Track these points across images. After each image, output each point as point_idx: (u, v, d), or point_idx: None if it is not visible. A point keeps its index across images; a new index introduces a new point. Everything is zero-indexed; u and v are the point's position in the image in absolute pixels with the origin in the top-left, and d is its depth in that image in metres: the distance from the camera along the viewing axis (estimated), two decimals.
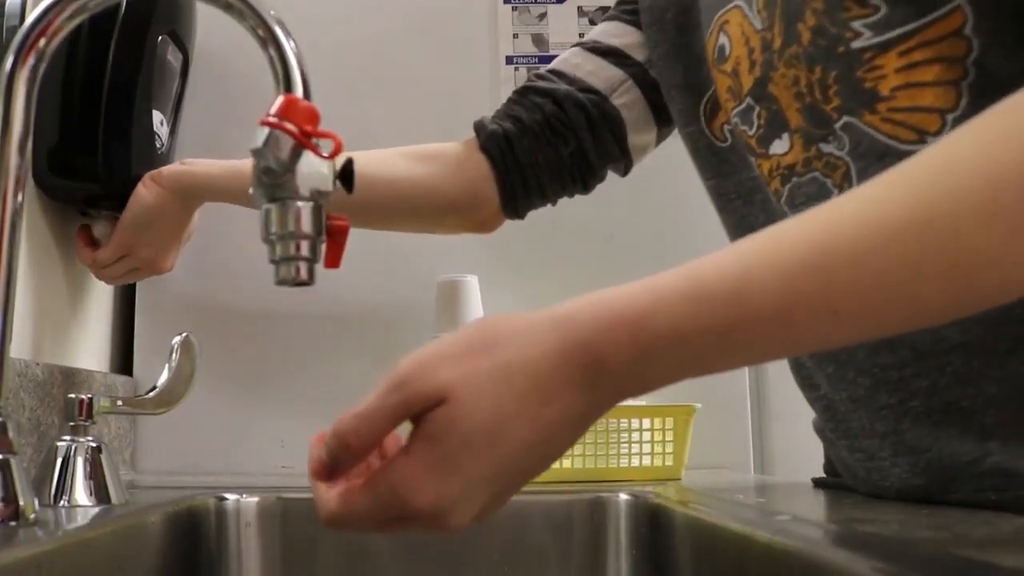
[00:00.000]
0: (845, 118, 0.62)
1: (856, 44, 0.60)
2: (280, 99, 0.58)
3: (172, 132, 1.11)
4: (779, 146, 0.67)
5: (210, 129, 1.21)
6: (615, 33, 0.91)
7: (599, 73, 0.90)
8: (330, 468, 0.48)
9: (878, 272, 0.40)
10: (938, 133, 0.58)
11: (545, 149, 0.90)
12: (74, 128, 0.97)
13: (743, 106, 0.70)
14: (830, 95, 0.62)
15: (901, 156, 0.45)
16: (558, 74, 0.91)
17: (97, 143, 0.98)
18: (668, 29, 0.82)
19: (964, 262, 0.40)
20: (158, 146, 1.05)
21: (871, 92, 0.60)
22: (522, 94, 0.92)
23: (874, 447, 0.66)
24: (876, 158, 0.60)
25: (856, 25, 0.60)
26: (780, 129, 0.67)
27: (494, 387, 0.44)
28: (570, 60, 0.92)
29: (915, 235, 0.40)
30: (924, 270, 0.40)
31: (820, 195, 0.64)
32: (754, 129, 0.69)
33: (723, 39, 0.72)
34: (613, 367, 0.44)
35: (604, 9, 1.35)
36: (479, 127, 0.92)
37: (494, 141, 0.90)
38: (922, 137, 0.59)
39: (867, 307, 0.41)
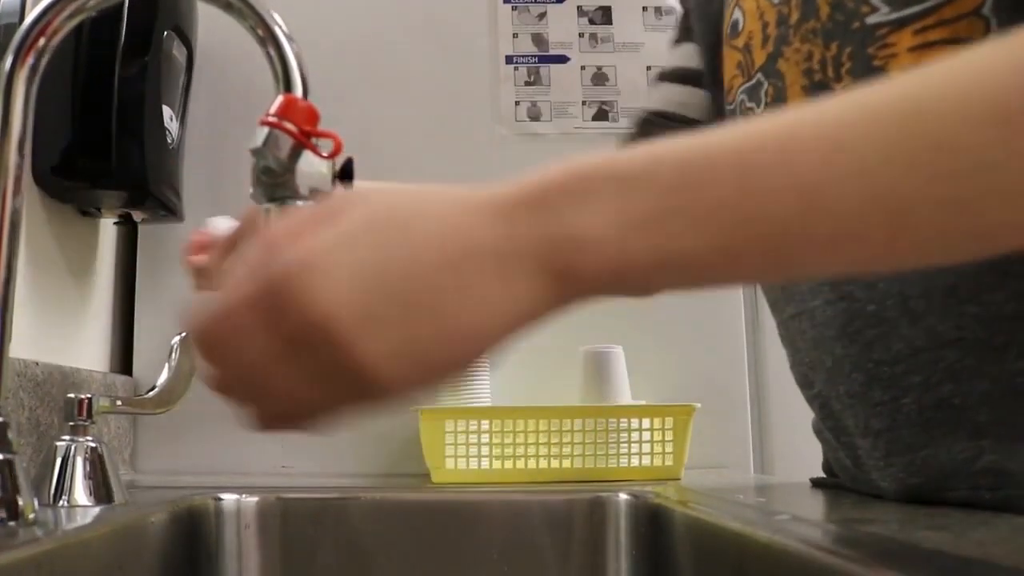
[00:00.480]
0: None
1: (871, 19, 0.59)
2: (279, 99, 0.58)
3: (181, 126, 1.12)
4: None
5: (212, 127, 1.21)
6: (691, 53, 0.87)
7: (689, 103, 0.86)
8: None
9: (851, 151, 0.36)
10: None
11: None
12: (86, 128, 0.98)
13: (752, 82, 0.69)
14: (842, 73, 0.61)
15: None
16: (662, 115, 0.88)
17: (111, 141, 0.98)
18: (712, 20, 0.81)
19: (956, 162, 0.35)
20: (168, 141, 1.06)
21: (878, 71, 0.58)
22: None
23: (868, 446, 0.66)
24: None
25: None
26: (781, 108, 0.66)
27: (409, 188, 0.41)
28: (663, 96, 0.89)
29: (899, 120, 0.36)
30: (902, 159, 0.35)
31: None
32: (762, 107, 0.68)
33: (737, 14, 0.71)
34: (542, 197, 0.39)
35: (604, 9, 1.36)
36: None
37: None
38: None
39: (839, 195, 0.36)
